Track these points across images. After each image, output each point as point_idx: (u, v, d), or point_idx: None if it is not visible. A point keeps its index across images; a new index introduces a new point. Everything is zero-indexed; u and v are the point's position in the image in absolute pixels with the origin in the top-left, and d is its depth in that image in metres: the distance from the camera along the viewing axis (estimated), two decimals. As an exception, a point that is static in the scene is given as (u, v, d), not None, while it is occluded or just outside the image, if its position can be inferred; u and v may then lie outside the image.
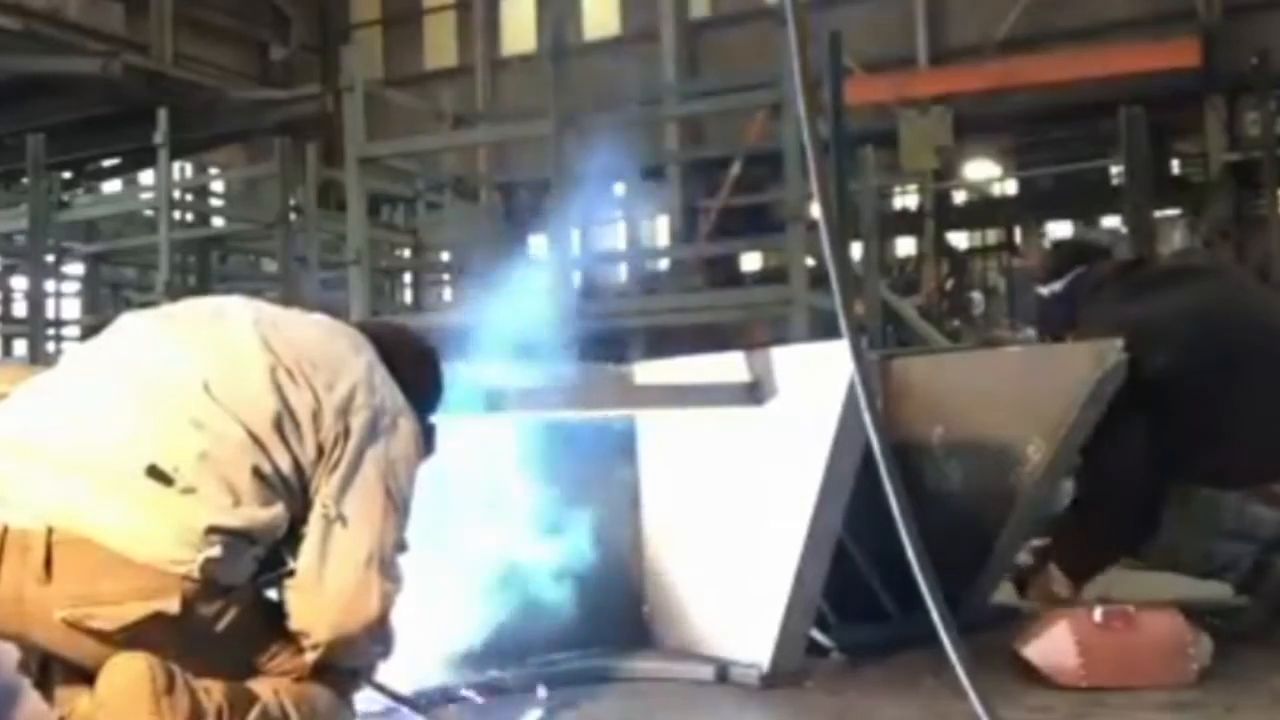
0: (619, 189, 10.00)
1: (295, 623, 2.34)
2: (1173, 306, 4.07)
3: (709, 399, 3.70)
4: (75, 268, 12.82)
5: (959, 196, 17.29)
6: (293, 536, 2.36)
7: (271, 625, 2.36)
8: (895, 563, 2.57)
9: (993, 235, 17.59)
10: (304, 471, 2.37)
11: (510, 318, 3.76)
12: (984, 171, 16.98)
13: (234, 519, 2.25)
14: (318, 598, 2.33)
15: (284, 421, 2.36)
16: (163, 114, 10.04)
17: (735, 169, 12.66)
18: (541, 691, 3.33)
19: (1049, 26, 15.50)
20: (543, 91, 7.86)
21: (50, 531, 2.19)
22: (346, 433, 2.39)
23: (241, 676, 2.31)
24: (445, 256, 13.47)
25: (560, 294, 7.11)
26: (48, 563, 2.18)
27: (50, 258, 11.42)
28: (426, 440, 2.61)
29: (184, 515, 2.22)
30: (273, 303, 2.78)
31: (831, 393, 3.28)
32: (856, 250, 8.96)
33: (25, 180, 10.74)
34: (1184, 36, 14.45)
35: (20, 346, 12.13)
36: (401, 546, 2.42)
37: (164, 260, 10.06)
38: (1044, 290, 4.41)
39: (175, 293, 9.62)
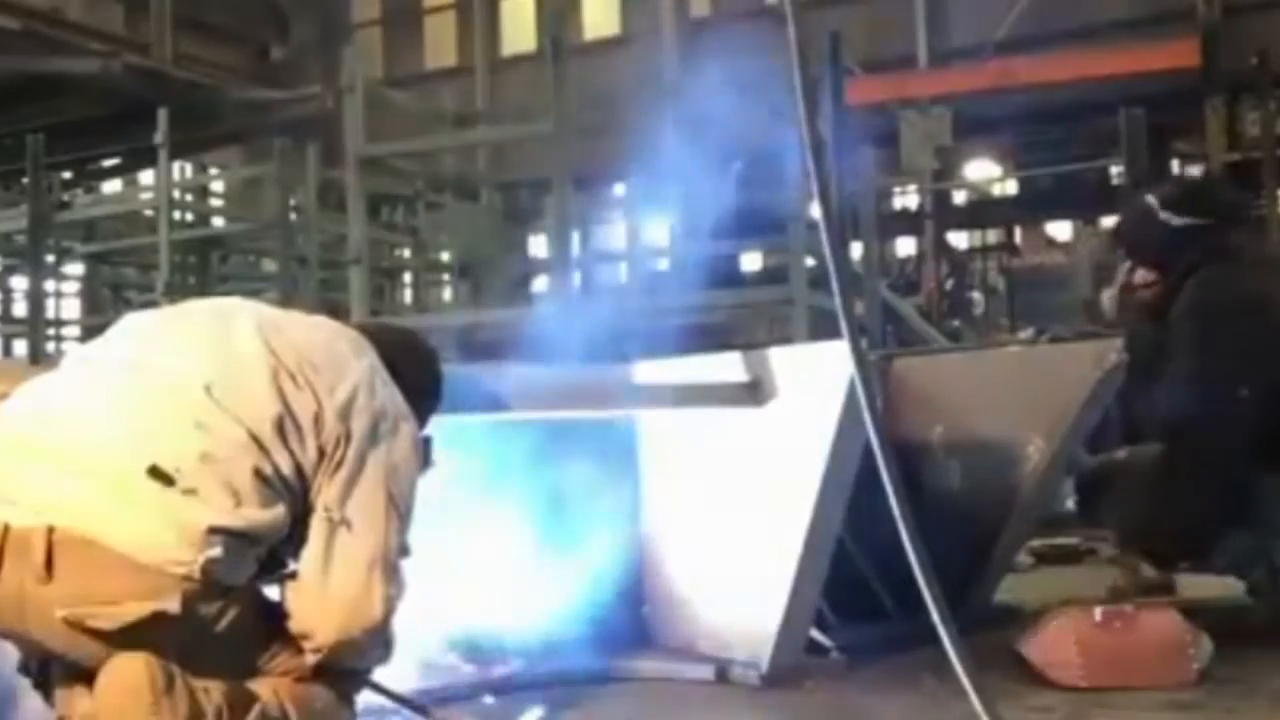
0: (619, 189, 10.00)
1: (297, 625, 2.34)
2: None
3: (709, 399, 3.70)
4: (75, 268, 12.83)
5: (959, 196, 17.28)
6: (293, 538, 2.37)
7: (272, 626, 2.36)
8: (895, 563, 2.57)
9: (993, 235, 17.59)
10: (305, 474, 2.37)
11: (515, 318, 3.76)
12: (984, 171, 16.97)
13: (235, 520, 2.25)
14: (321, 601, 2.33)
15: (285, 424, 2.36)
16: (163, 114, 10.04)
17: (735, 169, 12.63)
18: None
19: (1049, 26, 15.46)
20: (543, 91, 7.86)
21: (51, 531, 2.19)
22: (348, 435, 2.39)
23: (241, 677, 2.31)
24: (445, 256, 13.45)
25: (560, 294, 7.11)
26: (48, 562, 2.18)
27: (50, 258, 11.43)
28: (424, 452, 2.61)
29: (185, 516, 2.22)
30: (272, 303, 2.79)
31: (831, 393, 3.28)
32: (856, 250, 8.94)
33: (25, 180, 10.74)
34: (1184, 36, 14.42)
35: (20, 346, 12.13)
36: (404, 550, 2.42)
37: (164, 260, 10.06)
38: (1173, 220, 4.02)
39: (175, 293, 9.62)
